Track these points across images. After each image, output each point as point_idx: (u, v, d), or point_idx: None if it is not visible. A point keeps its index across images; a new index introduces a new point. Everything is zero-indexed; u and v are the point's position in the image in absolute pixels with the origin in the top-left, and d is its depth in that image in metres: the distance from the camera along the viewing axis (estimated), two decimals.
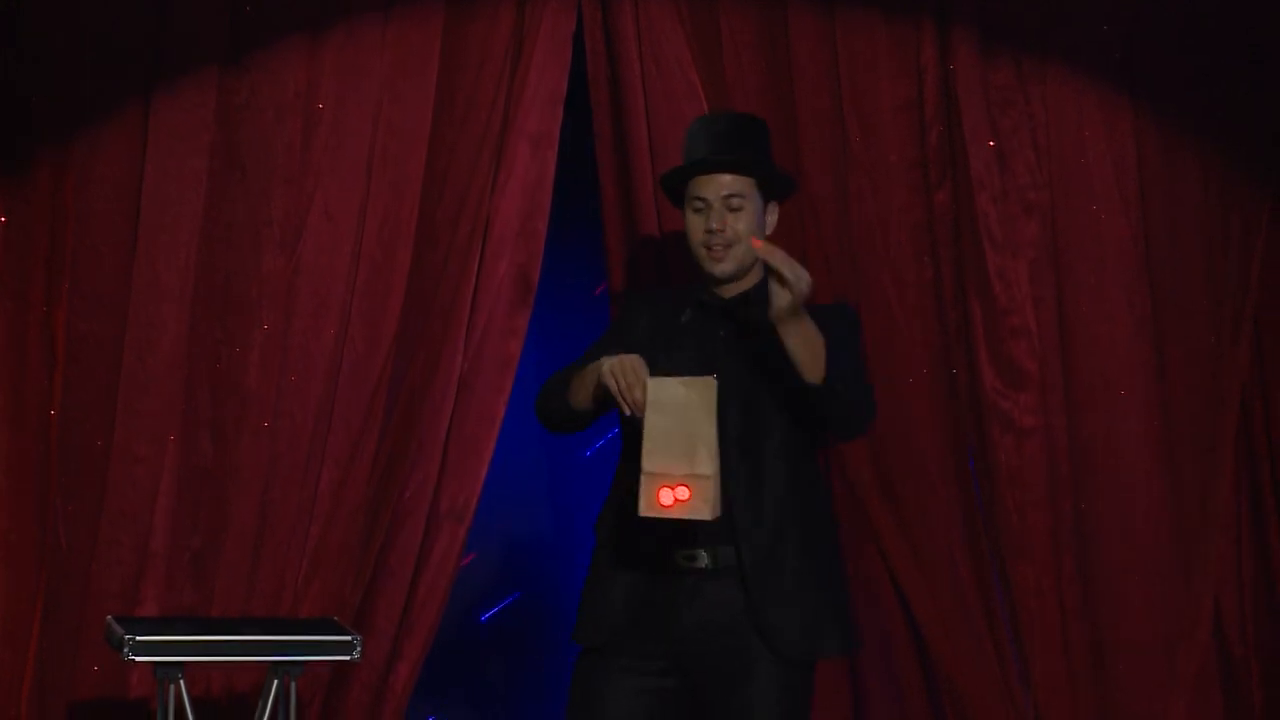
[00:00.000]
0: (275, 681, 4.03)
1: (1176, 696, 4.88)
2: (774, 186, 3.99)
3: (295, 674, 4.03)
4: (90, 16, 4.66)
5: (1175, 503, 4.96)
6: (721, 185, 3.89)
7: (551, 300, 4.99)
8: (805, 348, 3.65)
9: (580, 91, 4.87)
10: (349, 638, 4.04)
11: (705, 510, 3.58)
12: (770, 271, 3.60)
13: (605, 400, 3.74)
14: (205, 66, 4.65)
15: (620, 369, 3.65)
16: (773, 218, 3.97)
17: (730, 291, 3.92)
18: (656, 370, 3.70)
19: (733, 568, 3.79)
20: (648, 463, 3.58)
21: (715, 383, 3.60)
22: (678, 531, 3.76)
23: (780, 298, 3.59)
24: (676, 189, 3.98)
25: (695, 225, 3.91)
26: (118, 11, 4.66)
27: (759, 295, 3.85)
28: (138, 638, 3.89)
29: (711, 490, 3.58)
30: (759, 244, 3.65)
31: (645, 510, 3.58)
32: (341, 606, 4.60)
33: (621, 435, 3.92)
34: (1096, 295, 4.95)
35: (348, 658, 4.04)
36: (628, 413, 3.65)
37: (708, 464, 3.58)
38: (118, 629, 3.96)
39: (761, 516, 3.80)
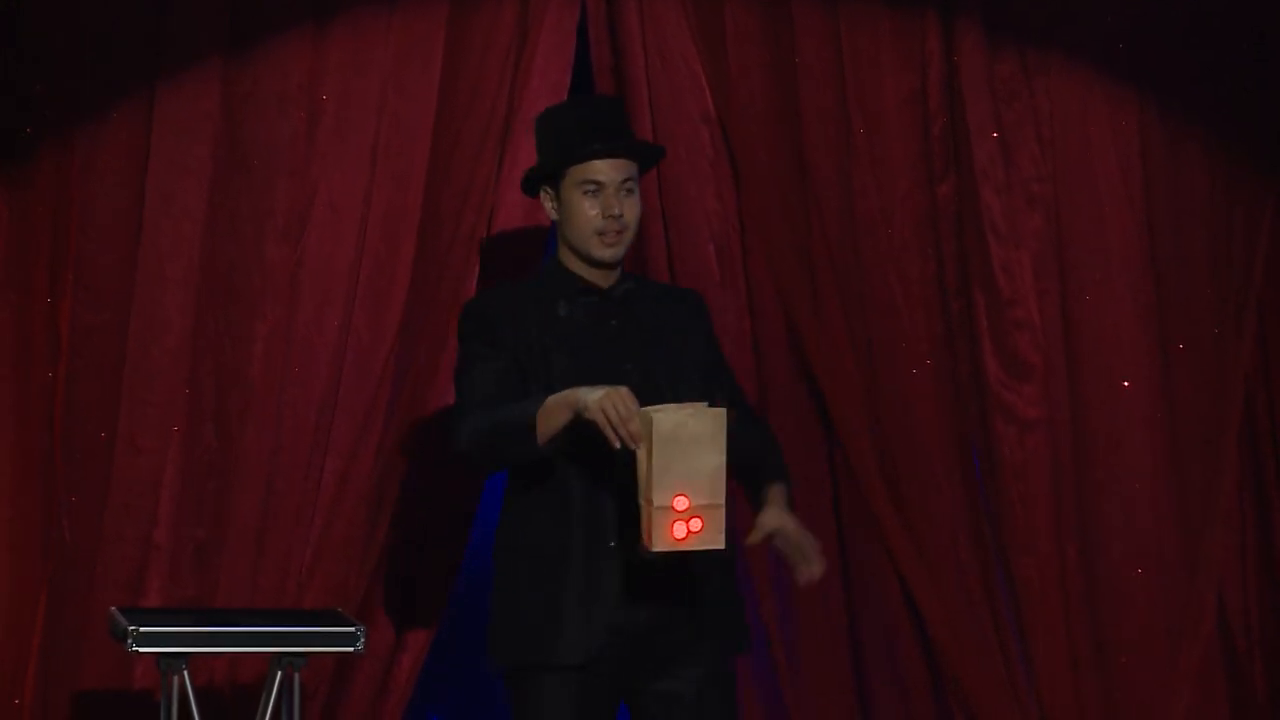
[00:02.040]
0: (279, 673, 4.03)
1: (1180, 690, 4.88)
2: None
3: (299, 665, 4.03)
4: (93, 7, 4.66)
5: (1179, 495, 4.96)
6: (620, 170, 3.86)
7: None
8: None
9: (584, 84, 4.87)
10: (353, 629, 4.04)
11: (719, 539, 3.55)
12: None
13: (574, 434, 3.65)
14: (209, 57, 4.65)
15: (610, 402, 3.55)
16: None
17: (605, 280, 3.90)
18: (559, 367, 3.70)
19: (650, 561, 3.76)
20: (659, 496, 3.52)
21: (724, 413, 3.56)
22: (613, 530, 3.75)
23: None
24: (548, 173, 3.91)
25: (588, 208, 3.84)
26: (121, 2, 4.66)
27: (635, 283, 3.89)
28: (141, 629, 3.89)
29: (723, 519, 3.56)
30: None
31: (660, 545, 3.53)
32: (345, 598, 4.59)
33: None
34: (1100, 288, 4.95)
35: (351, 649, 4.04)
36: (617, 446, 3.56)
37: (719, 493, 3.54)
38: (122, 620, 3.96)
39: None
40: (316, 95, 4.70)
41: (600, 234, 3.84)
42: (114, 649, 4.26)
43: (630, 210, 3.86)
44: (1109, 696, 4.88)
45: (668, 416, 3.54)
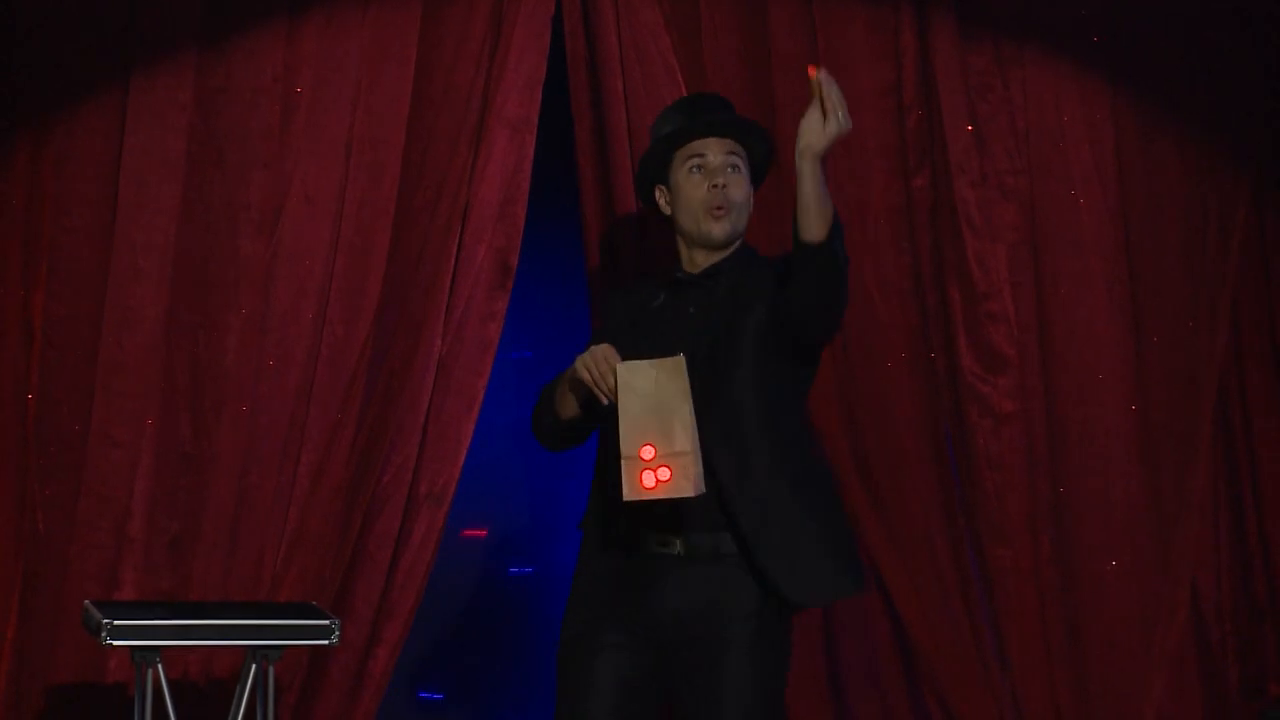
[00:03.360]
0: (254, 665, 4.02)
1: (1154, 678, 4.90)
2: (759, 173, 4.01)
3: (274, 658, 4.02)
4: None
5: (1153, 486, 4.98)
6: (724, 147, 3.89)
7: (531, 284, 5.00)
8: (818, 196, 3.62)
9: (559, 76, 4.87)
10: (327, 622, 4.04)
11: (688, 487, 3.56)
12: (818, 101, 3.62)
13: (590, 401, 3.73)
14: (183, 49, 4.64)
15: (590, 360, 3.65)
16: (750, 204, 3.98)
17: (702, 264, 3.90)
18: (629, 357, 3.71)
19: (707, 553, 3.77)
20: (626, 447, 3.57)
21: (683, 360, 3.59)
22: (659, 518, 3.74)
23: (815, 133, 3.61)
24: (657, 165, 3.94)
25: (695, 184, 3.88)
26: None
27: (728, 266, 3.87)
28: (115, 622, 3.88)
29: (692, 466, 3.57)
30: (815, 71, 3.63)
31: (629, 494, 3.57)
32: (320, 590, 4.59)
33: (599, 431, 3.92)
34: (1075, 280, 4.96)
35: (326, 642, 4.04)
36: (604, 402, 3.65)
37: (685, 440, 3.56)
38: (95, 613, 3.95)
39: (750, 497, 3.75)
40: (291, 88, 4.69)
41: (709, 208, 3.86)
42: (88, 642, 4.26)
43: (736, 187, 3.88)
44: (1083, 685, 4.90)
45: (630, 367, 3.60)
